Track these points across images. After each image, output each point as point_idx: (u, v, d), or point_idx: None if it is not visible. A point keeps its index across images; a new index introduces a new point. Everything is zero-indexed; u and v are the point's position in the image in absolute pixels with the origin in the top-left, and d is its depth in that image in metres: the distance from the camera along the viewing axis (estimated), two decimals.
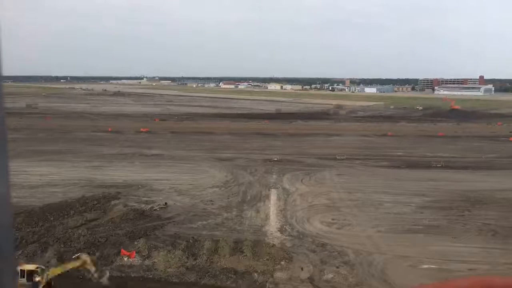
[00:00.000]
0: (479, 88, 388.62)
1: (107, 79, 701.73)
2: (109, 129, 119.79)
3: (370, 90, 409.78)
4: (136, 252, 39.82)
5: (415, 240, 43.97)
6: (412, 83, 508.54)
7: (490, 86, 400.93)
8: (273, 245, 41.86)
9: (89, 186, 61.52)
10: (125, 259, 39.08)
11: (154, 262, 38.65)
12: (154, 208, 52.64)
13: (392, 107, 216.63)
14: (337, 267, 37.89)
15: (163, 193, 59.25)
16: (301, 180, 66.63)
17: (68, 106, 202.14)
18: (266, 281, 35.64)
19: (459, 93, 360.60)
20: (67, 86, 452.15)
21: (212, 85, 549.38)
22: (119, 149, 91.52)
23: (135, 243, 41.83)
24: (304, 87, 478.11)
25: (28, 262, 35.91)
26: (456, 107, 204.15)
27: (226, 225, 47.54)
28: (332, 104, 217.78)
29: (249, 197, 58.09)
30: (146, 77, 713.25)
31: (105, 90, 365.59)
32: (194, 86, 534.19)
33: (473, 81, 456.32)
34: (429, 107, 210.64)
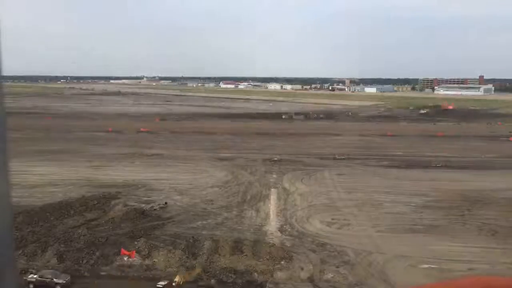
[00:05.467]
0: (479, 87, 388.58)
1: (107, 79, 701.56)
2: (109, 129, 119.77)
3: (370, 90, 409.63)
4: (136, 252, 39.82)
5: (415, 240, 43.96)
6: (412, 82, 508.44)
7: (490, 86, 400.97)
8: (273, 245, 41.87)
9: (89, 186, 61.52)
10: (125, 258, 39.09)
11: (154, 261, 38.66)
12: (154, 208, 52.65)
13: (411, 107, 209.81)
14: (337, 267, 37.89)
15: (163, 192, 59.26)
16: (301, 180, 66.63)
17: (68, 106, 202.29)
18: (266, 281, 35.64)
19: (459, 92, 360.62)
20: (67, 86, 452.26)
21: (212, 85, 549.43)
22: (119, 149, 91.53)
23: (135, 242, 41.84)
24: (304, 87, 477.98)
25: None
26: (449, 107, 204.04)
27: (226, 225, 47.53)
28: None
29: (249, 197, 58.08)
30: (146, 77, 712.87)
31: (105, 90, 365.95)
32: (194, 86, 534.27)
33: (473, 81, 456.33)
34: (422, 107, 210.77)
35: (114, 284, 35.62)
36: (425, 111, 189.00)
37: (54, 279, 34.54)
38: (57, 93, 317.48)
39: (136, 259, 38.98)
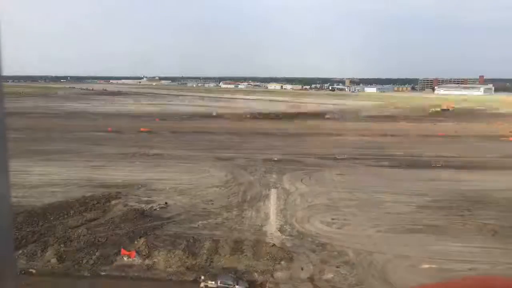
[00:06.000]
0: (479, 87, 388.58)
1: (107, 79, 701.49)
2: (109, 129, 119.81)
3: (370, 90, 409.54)
4: (136, 252, 39.82)
5: (415, 240, 43.96)
6: (412, 82, 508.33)
7: (490, 85, 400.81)
8: (273, 245, 41.86)
9: (89, 186, 61.51)
10: (125, 258, 39.09)
11: (154, 261, 38.67)
12: (154, 208, 52.67)
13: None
14: (337, 267, 37.89)
15: (163, 192, 59.27)
16: (301, 180, 66.62)
17: (69, 106, 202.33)
18: (266, 281, 35.64)
19: (459, 92, 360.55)
20: (67, 86, 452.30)
21: (212, 85, 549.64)
22: (119, 149, 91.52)
23: (135, 242, 41.82)
24: (304, 87, 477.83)
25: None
26: (449, 107, 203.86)
27: (226, 225, 47.55)
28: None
29: (249, 197, 58.09)
30: (146, 77, 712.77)
31: (105, 89, 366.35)
32: (194, 86, 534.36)
33: (473, 81, 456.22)
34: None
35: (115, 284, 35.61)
36: (431, 111, 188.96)
37: (236, 286, 34.28)
38: (58, 93, 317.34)
39: (136, 259, 38.99)
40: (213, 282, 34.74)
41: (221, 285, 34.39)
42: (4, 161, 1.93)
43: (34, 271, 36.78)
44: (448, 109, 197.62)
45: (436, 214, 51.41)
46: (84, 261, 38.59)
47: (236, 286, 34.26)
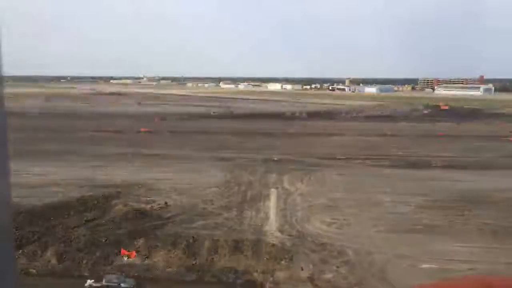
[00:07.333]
0: (478, 87, 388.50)
1: (107, 78, 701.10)
2: (109, 129, 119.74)
3: (370, 90, 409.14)
4: (136, 252, 39.81)
5: (415, 240, 43.95)
6: (412, 82, 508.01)
7: (490, 85, 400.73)
8: (273, 245, 41.84)
9: (89, 186, 61.47)
10: (125, 258, 39.08)
11: (154, 261, 38.66)
12: (154, 208, 52.63)
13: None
14: (337, 267, 37.88)
15: (163, 192, 59.23)
16: (301, 180, 66.62)
17: (69, 106, 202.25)
18: (266, 281, 35.62)
19: (459, 92, 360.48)
20: (67, 86, 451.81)
21: (213, 84, 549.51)
22: (119, 149, 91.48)
23: (135, 242, 41.81)
24: (304, 86, 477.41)
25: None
26: (445, 107, 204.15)
27: (226, 225, 47.53)
28: None
29: (249, 197, 58.07)
30: (146, 77, 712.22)
31: (106, 90, 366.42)
32: (194, 86, 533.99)
33: (473, 81, 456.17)
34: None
35: None
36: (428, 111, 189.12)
37: (121, 285, 34.14)
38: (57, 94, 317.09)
39: (136, 259, 38.98)
40: (99, 282, 34.33)
41: (106, 284, 34.08)
42: (4, 161, 1.93)
43: (34, 271, 36.79)
44: (443, 109, 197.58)
45: (436, 214, 51.35)
46: (84, 261, 38.57)
47: (121, 285, 33.91)
